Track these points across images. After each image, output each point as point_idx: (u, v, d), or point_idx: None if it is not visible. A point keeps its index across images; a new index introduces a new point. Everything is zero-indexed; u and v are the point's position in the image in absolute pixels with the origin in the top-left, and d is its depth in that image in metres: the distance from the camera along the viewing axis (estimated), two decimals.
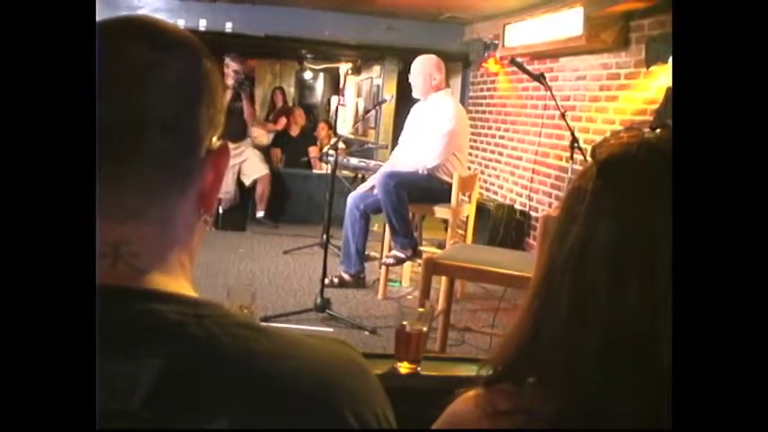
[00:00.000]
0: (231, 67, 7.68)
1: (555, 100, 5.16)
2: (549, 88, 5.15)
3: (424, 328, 2.09)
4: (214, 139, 0.85)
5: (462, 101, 9.14)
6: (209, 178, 0.85)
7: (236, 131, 7.77)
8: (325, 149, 5.68)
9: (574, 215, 0.99)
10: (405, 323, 2.08)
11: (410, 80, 5.84)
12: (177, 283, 0.82)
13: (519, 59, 5.78)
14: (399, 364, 2.06)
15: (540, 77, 5.16)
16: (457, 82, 9.60)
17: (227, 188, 7.82)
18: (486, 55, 8.24)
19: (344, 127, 12.35)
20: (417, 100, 5.91)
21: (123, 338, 0.72)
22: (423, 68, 5.76)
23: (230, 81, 7.61)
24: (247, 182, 8.16)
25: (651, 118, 5.27)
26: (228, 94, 7.51)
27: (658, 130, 1.02)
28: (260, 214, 8.34)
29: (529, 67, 5.57)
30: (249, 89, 7.90)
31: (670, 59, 4.97)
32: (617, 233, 0.94)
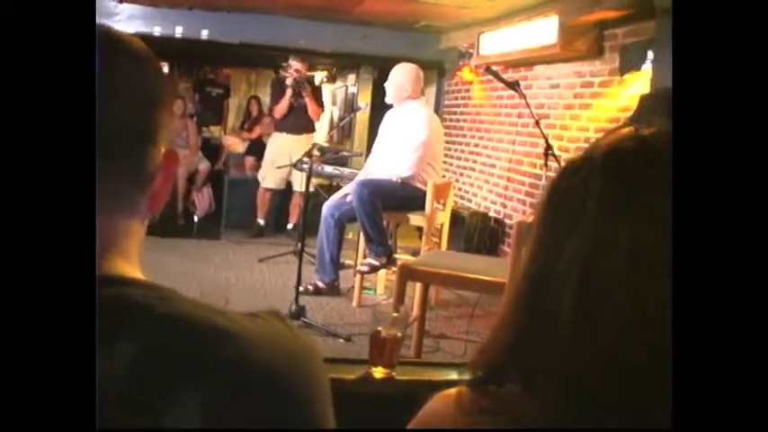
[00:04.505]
0: (293, 66, 7.76)
1: (529, 108, 5.17)
2: (523, 96, 5.16)
3: (399, 333, 2.08)
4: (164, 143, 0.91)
5: (437, 109, 9.16)
6: (160, 180, 0.91)
7: (297, 126, 7.95)
8: (299, 157, 5.66)
9: (573, 218, 0.94)
10: (379, 328, 2.07)
11: (385, 86, 5.85)
12: (136, 271, 0.87)
13: (494, 68, 5.80)
14: (374, 369, 2.06)
15: (514, 85, 5.18)
16: (432, 90, 9.63)
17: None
18: (460, 63, 8.26)
19: (320, 135, 12.32)
20: (391, 106, 5.92)
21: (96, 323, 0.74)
22: (398, 77, 5.78)
23: (289, 80, 7.74)
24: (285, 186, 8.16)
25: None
26: (289, 92, 7.76)
27: (653, 129, 0.97)
28: (290, 226, 8.31)
29: (503, 76, 5.59)
30: (310, 87, 7.95)
31: (643, 66, 5.02)
32: (637, 236, 0.88)
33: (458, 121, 8.92)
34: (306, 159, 5.37)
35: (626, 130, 0.99)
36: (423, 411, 1.03)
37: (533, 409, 0.91)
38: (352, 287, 5.77)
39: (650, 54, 4.88)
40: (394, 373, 2.06)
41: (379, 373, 2.05)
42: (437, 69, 9.42)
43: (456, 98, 9.12)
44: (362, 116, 9.57)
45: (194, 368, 0.74)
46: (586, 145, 1.03)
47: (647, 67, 4.92)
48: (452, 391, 1.02)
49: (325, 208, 5.74)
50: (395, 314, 2.12)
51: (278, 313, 0.88)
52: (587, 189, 0.94)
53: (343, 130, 10.98)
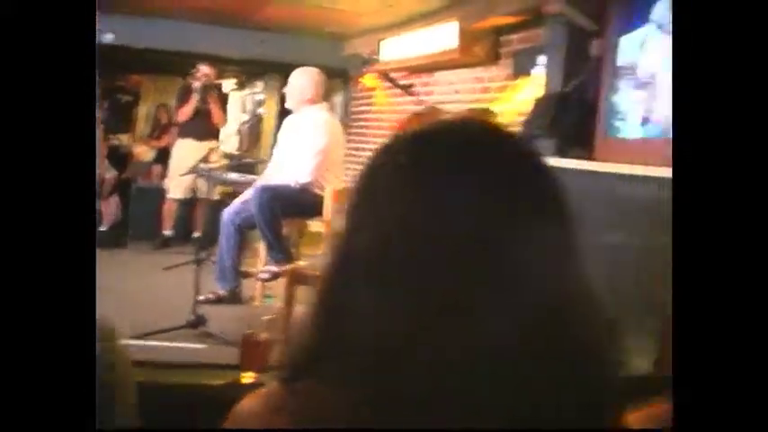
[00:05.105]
0: (202, 71, 7.66)
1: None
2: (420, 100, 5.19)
3: (271, 336, 2.07)
4: None
5: (345, 116, 9.16)
6: None
7: (201, 132, 7.76)
8: (194, 162, 5.59)
9: (378, 195, 0.92)
10: (250, 331, 2.06)
11: (284, 91, 5.84)
12: None
13: (391, 74, 5.83)
14: (243, 374, 2.03)
15: (407, 87, 5.20)
16: (338, 97, 9.63)
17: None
18: (363, 70, 8.29)
19: (228, 142, 12.21)
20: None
21: None
22: (298, 80, 5.79)
23: (196, 84, 7.64)
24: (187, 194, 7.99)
25: (522, 129, 5.38)
26: (195, 96, 7.63)
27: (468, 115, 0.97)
28: (195, 235, 8.02)
29: (406, 81, 5.62)
30: (216, 93, 7.86)
31: (533, 71, 5.12)
32: (437, 218, 0.86)
33: (362, 127, 8.94)
34: (203, 165, 5.32)
35: (435, 113, 1.00)
36: (232, 410, 1.02)
37: (337, 402, 0.90)
38: (254, 295, 5.72)
39: (540, 59, 4.98)
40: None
41: (248, 378, 2.03)
42: (343, 77, 9.42)
43: (361, 105, 9.15)
44: (268, 122, 9.54)
45: None
46: None
47: (537, 72, 5.02)
48: (264, 389, 1.01)
49: (225, 214, 5.67)
50: (266, 317, 2.11)
51: None
52: (397, 165, 0.92)
53: (251, 137, 10.90)
